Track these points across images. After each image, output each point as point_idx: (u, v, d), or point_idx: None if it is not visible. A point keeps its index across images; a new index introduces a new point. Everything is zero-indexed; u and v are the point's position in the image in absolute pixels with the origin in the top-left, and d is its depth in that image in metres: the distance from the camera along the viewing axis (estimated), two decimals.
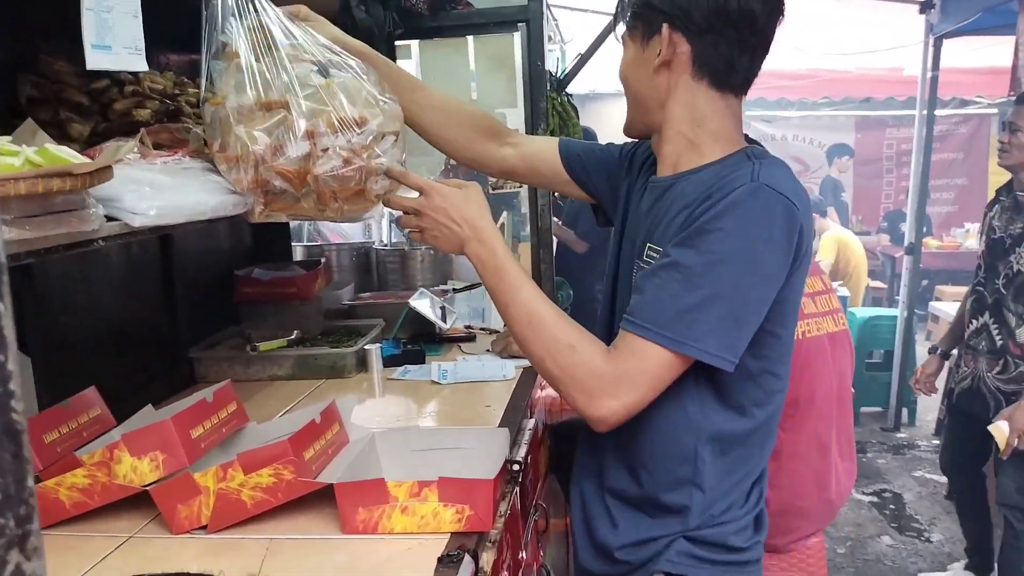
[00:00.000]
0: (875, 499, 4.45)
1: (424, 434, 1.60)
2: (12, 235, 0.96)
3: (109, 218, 1.18)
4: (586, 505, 1.48)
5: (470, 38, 2.81)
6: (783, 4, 1.29)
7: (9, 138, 1.04)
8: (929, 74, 5.20)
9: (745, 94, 1.36)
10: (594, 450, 1.47)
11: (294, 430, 1.39)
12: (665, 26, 1.28)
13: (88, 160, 1.03)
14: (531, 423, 1.93)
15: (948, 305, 5.78)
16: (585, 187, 1.70)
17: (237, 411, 1.52)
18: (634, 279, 1.35)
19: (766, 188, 1.19)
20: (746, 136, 1.39)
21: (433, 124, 1.69)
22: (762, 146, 1.39)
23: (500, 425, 1.81)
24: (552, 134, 2.73)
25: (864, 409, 5.64)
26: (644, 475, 1.36)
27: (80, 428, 1.50)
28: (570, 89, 3.27)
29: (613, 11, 1.41)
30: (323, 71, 1.43)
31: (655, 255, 1.29)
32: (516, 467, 1.60)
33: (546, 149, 1.72)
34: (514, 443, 1.73)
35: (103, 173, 1.05)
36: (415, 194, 1.41)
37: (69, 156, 1.00)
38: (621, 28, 1.38)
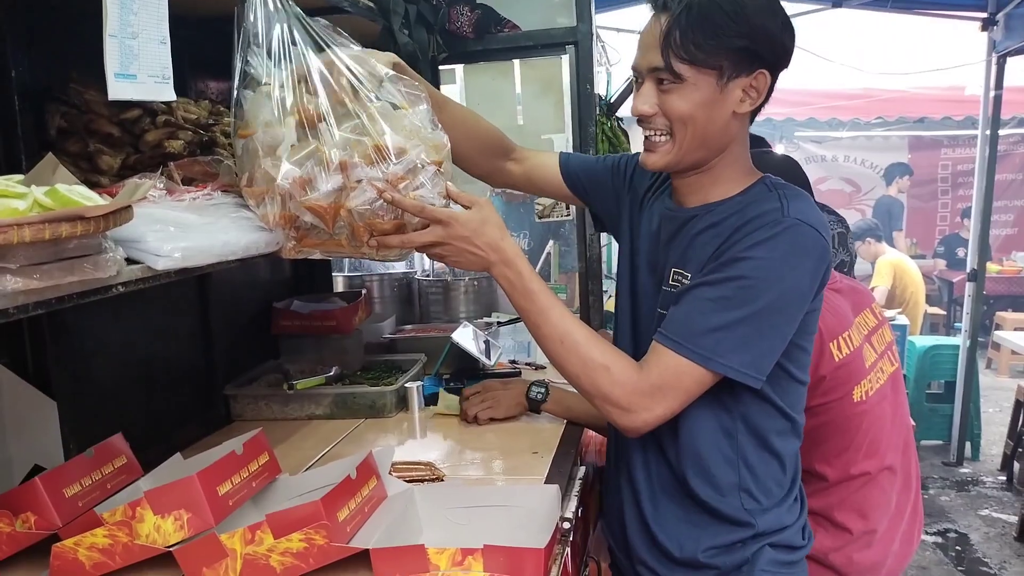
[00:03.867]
0: (939, 539, 4.23)
1: (468, 491, 1.48)
2: (18, 285, 0.87)
3: (131, 260, 1.10)
4: (640, 503, 1.48)
5: (516, 62, 2.73)
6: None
7: (20, 177, 0.96)
8: (992, 93, 5.01)
9: None
10: (634, 458, 1.49)
11: (328, 484, 1.29)
12: (764, 72, 1.29)
13: (103, 201, 0.94)
14: (581, 471, 1.80)
15: (1011, 334, 5.52)
16: (584, 199, 1.76)
17: (269, 463, 1.43)
18: (659, 300, 1.41)
19: (799, 223, 1.26)
20: (753, 137, 1.46)
21: (456, 143, 1.64)
22: (769, 145, 1.46)
23: (549, 474, 1.69)
24: None
25: (924, 442, 5.40)
26: (696, 484, 1.40)
27: (104, 479, 1.41)
28: (619, 113, 3.16)
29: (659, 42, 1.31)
30: (372, 96, 1.34)
31: (682, 279, 1.36)
32: (568, 524, 1.48)
33: (547, 164, 1.76)
34: (565, 495, 1.61)
35: (120, 215, 0.96)
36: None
37: (82, 197, 0.92)
38: (680, 65, 1.27)
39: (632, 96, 1.38)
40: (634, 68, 1.35)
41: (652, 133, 1.35)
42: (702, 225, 1.36)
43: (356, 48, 1.39)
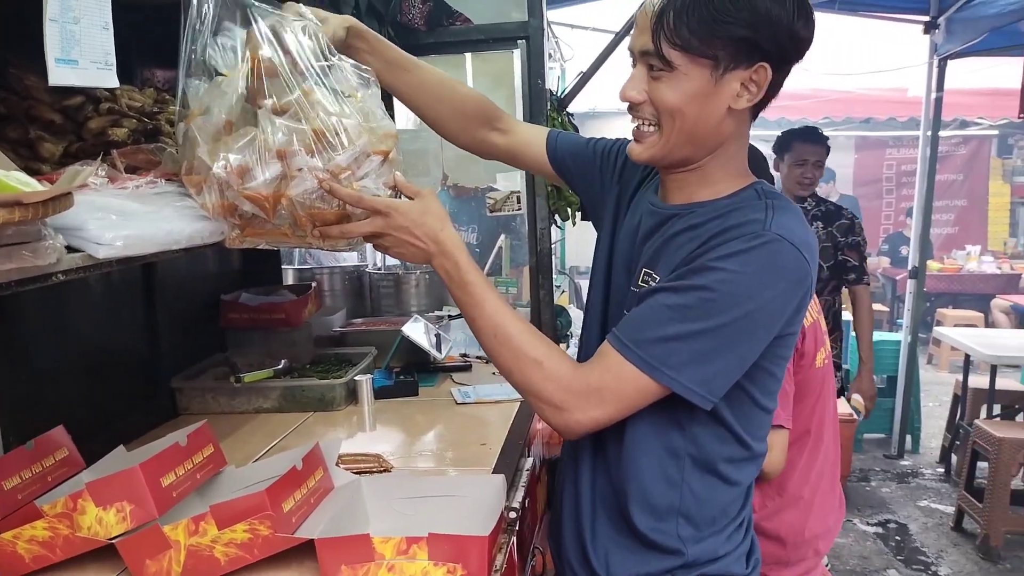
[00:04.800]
0: (880, 530, 4.34)
1: (415, 481, 1.49)
2: None
3: (72, 248, 1.08)
4: (580, 522, 1.39)
5: (468, 55, 2.74)
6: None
7: None
8: (933, 95, 5.14)
9: None
10: (583, 464, 1.41)
11: (274, 475, 1.28)
12: (766, 66, 1.17)
13: (43, 187, 0.93)
14: (529, 462, 1.82)
15: (951, 330, 5.68)
16: (570, 183, 1.64)
17: (214, 455, 1.41)
18: (626, 301, 1.32)
19: (778, 239, 1.15)
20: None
21: (426, 108, 1.61)
22: (766, 161, 1.36)
23: (496, 465, 1.71)
24: None
25: (867, 435, 5.53)
26: (633, 503, 1.30)
27: (45, 472, 1.39)
28: (571, 108, 3.18)
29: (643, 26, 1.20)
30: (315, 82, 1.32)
31: (650, 280, 1.27)
32: (513, 514, 1.49)
33: (533, 142, 1.64)
34: (511, 486, 1.62)
35: (60, 201, 0.95)
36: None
37: (20, 183, 0.90)
38: (671, 51, 1.16)
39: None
40: (629, 49, 1.25)
41: (640, 123, 1.25)
42: (681, 226, 1.26)
43: (308, 15, 1.36)
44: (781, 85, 1.22)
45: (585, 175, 1.58)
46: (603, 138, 1.61)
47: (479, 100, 1.65)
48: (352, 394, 2.16)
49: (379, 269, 3.20)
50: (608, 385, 1.19)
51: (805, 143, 3.67)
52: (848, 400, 3.88)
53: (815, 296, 1.88)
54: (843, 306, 3.99)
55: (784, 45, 1.16)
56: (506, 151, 1.67)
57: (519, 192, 2.83)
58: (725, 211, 1.23)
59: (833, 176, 9.30)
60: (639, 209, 1.39)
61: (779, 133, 3.80)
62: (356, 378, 2.11)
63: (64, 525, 1.23)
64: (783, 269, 1.15)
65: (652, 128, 1.24)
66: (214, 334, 2.40)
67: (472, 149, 1.69)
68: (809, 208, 3.78)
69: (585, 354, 1.41)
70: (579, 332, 1.56)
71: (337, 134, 1.25)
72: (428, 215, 1.29)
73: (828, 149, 3.74)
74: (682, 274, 1.18)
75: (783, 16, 1.14)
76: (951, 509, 4.41)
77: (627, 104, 1.26)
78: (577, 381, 1.20)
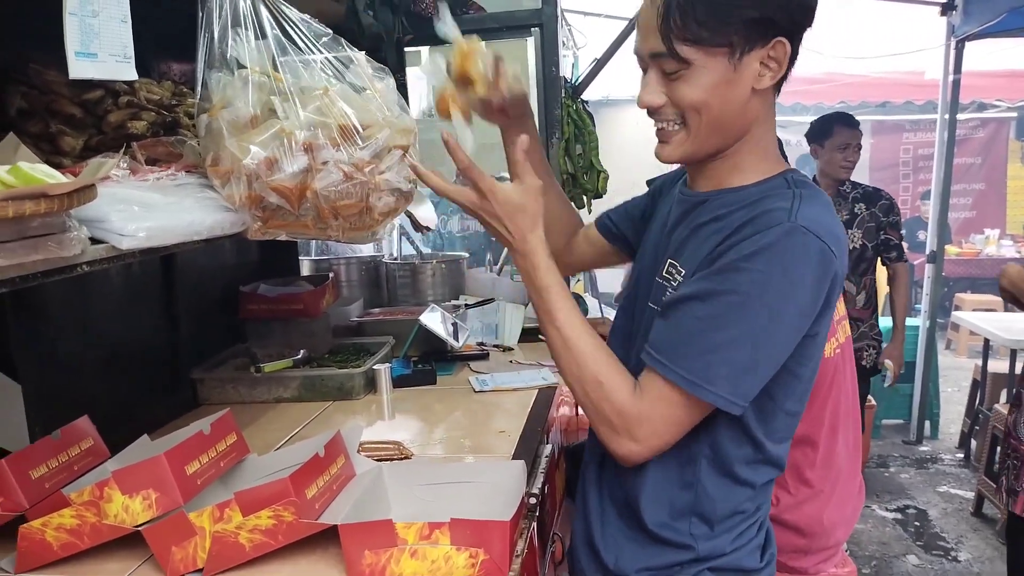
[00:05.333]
0: (899, 516, 4.32)
1: (435, 468, 1.50)
2: None
3: (95, 240, 1.09)
4: (589, 519, 1.40)
5: (482, 43, 2.72)
6: None
7: None
8: (951, 77, 5.09)
9: None
10: (600, 467, 1.40)
11: (296, 463, 1.30)
12: (783, 40, 1.13)
13: (68, 179, 0.94)
14: (548, 449, 1.83)
15: (969, 314, 5.65)
16: (629, 247, 1.59)
17: (237, 443, 1.43)
18: (652, 292, 1.29)
19: (802, 230, 1.10)
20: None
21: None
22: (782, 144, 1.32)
23: (515, 451, 1.71)
24: (567, 142, 2.64)
25: (885, 421, 5.51)
26: (645, 503, 1.29)
27: (71, 461, 1.41)
28: (585, 95, 3.18)
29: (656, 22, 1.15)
30: (331, 76, 1.34)
31: (675, 274, 1.24)
32: (533, 500, 1.50)
33: (590, 229, 1.66)
34: (531, 472, 1.63)
35: (84, 193, 0.96)
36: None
37: (45, 175, 0.91)
38: (684, 48, 1.13)
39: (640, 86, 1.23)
40: (636, 54, 1.21)
41: (664, 124, 1.22)
42: (707, 216, 1.23)
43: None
44: (797, 54, 1.18)
45: (635, 225, 1.56)
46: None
47: (576, 217, 1.72)
48: (371, 383, 2.17)
49: (395, 259, 3.21)
50: (660, 412, 1.16)
51: (846, 127, 3.82)
52: (880, 365, 4.01)
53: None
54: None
55: (795, 15, 1.14)
56: (585, 246, 1.67)
57: None
58: (752, 200, 1.18)
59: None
60: (669, 199, 1.38)
61: (801, 119, 3.85)
62: (374, 367, 2.13)
63: (91, 513, 1.25)
64: (807, 261, 1.11)
65: (677, 127, 1.20)
66: (233, 325, 2.41)
67: (571, 261, 1.70)
68: (848, 191, 3.92)
69: (613, 339, 1.42)
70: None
71: (360, 129, 1.26)
72: (521, 213, 1.24)
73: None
74: (708, 276, 1.14)
75: None
76: (971, 495, 4.40)
77: (646, 110, 1.23)
78: (631, 407, 1.17)
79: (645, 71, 1.21)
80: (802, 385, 1.25)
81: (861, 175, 9.72)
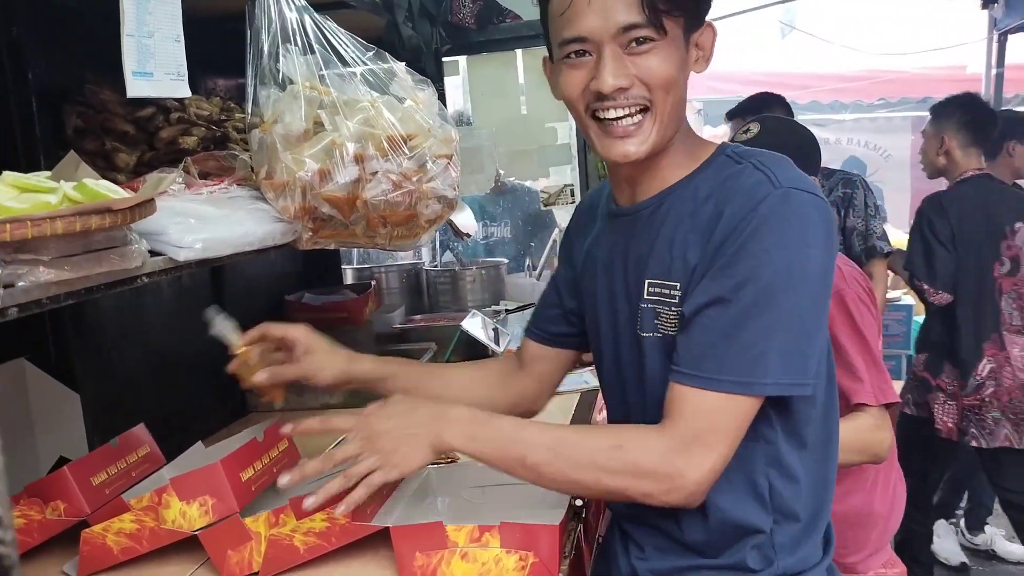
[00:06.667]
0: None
1: (481, 471, 1.51)
2: (51, 276, 0.90)
3: (154, 252, 1.13)
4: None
5: (519, 51, 2.75)
6: None
7: (48, 173, 0.99)
8: (994, 71, 5.01)
9: None
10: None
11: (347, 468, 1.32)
12: (711, 25, 1.13)
13: (128, 195, 0.98)
14: None
15: None
16: (577, 337, 1.43)
17: (288, 449, 1.47)
18: (638, 321, 1.16)
19: (794, 192, 1.05)
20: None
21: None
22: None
23: None
24: None
25: None
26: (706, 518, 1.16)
27: (129, 468, 1.46)
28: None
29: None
30: (375, 88, 1.37)
31: (668, 291, 1.12)
32: (580, 503, 1.51)
33: (531, 352, 1.48)
34: None
35: (145, 207, 1.00)
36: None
37: (108, 191, 0.95)
38: (666, 16, 1.05)
39: (565, 75, 1.11)
40: (583, 38, 1.07)
41: (624, 114, 1.08)
42: (670, 217, 1.13)
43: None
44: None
45: (571, 303, 1.39)
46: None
47: (499, 365, 1.56)
48: None
49: (436, 266, 3.24)
50: (703, 426, 1.05)
51: None
52: None
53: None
54: None
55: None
56: (535, 375, 1.49)
57: (572, 185, 2.85)
58: (714, 187, 1.10)
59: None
60: (592, 238, 1.28)
61: (840, 117, 3.76)
62: None
63: (150, 518, 1.29)
64: (812, 220, 1.05)
65: (640, 115, 1.09)
66: None
67: (511, 408, 1.47)
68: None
69: (611, 407, 1.31)
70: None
71: (406, 139, 1.29)
72: (418, 404, 1.21)
73: None
74: (718, 274, 1.05)
75: None
76: None
77: (594, 99, 1.09)
78: (671, 440, 1.05)
79: (587, 54, 1.08)
80: (824, 343, 1.15)
81: (902, 173, 9.63)
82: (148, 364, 1.88)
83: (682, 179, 1.15)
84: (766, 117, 2.08)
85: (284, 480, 1.17)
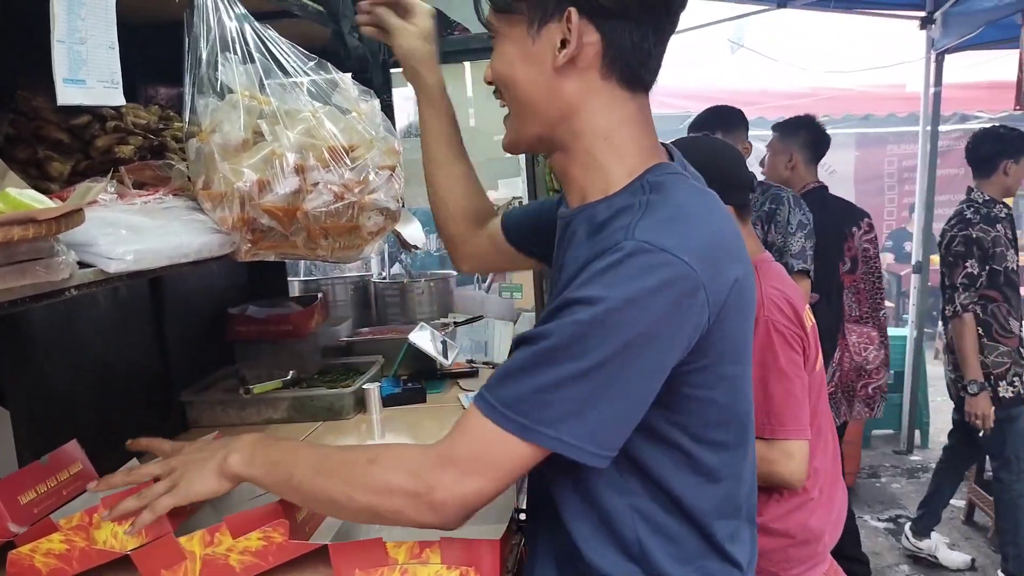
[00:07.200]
0: (891, 526, 4.34)
1: None
2: None
3: (83, 264, 1.10)
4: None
5: (467, 64, 2.75)
6: None
7: None
8: (932, 90, 5.16)
9: (650, 89, 1.11)
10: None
11: None
12: (572, 11, 1.01)
13: (55, 204, 0.95)
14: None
15: None
16: (535, 256, 1.45)
17: None
18: None
19: (644, 248, 0.94)
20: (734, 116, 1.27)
21: (444, 203, 1.51)
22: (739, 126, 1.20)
23: None
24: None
25: (875, 432, 5.53)
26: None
27: (60, 486, 1.41)
28: None
29: None
30: (317, 99, 1.36)
31: None
32: (523, 516, 1.51)
33: (495, 224, 1.49)
34: (519, 489, 1.63)
35: (72, 218, 0.96)
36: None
37: (33, 201, 0.92)
38: (487, 9, 1.08)
39: None
40: None
41: (504, 106, 1.12)
42: (575, 239, 1.09)
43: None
44: (642, 38, 1.03)
45: (541, 234, 1.36)
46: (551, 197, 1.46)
47: (487, 204, 1.57)
48: (361, 403, 2.18)
49: (384, 278, 3.22)
50: (475, 452, 0.98)
51: None
52: None
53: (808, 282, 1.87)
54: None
55: None
56: (487, 241, 1.51)
57: (521, 198, 2.85)
58: (608, 215, 1.04)
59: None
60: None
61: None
62: (364, 387, 2.13)
63: (80, 538, 1.24)
64: (657, 283, 0.93)
65: (506, 109, 1.12)
66: (222, 347, 2.42)
67: (458, 246, 1.55)
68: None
69: None
70: None
71: (348, 151, 1.28)
72: (213, 444, 1.23)
73: None
74: (550, 312, 0.98)
75: None
76: (962, 503, 4.41)
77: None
78: (427, 456, 1.01)
79: None
80: (721, 412, 1.08)
81: (847, 188, 9.86)
82: (83, 378, 1.83)
83: (598, 199, 1.08)
84: (684, 139, 2.08)
85: (91, 485, 1.26)
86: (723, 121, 3.21)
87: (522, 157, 2.62)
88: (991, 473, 3.98)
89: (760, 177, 3.33)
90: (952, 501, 4.56)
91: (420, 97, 1.47)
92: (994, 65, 6.51)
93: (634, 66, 1.05)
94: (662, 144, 1.16)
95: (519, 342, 1.00)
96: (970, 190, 3.58)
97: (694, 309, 0.96)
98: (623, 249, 0.94)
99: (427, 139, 1.49)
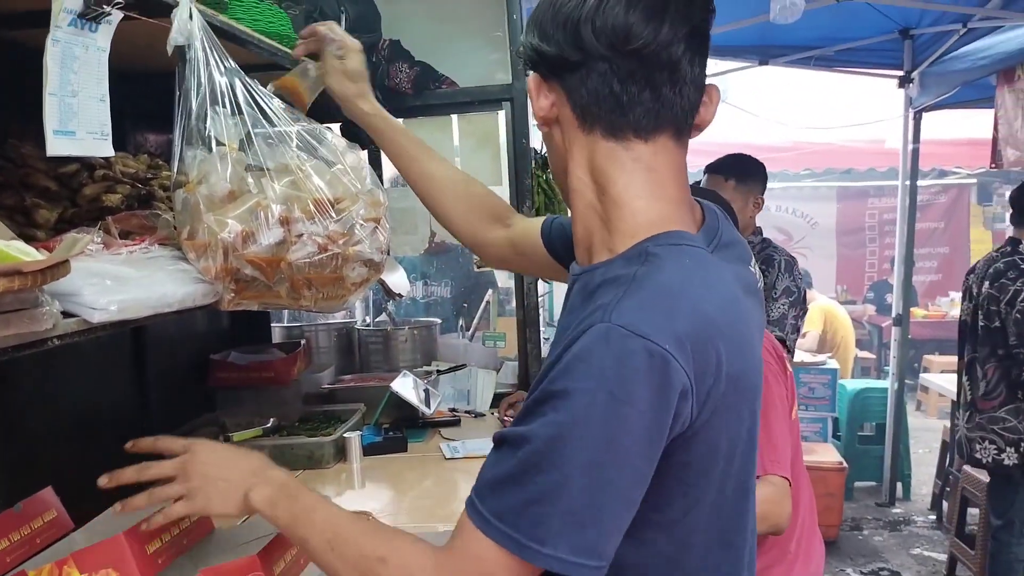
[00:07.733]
0: None
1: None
2: None
3: (67, 314, 1.10)
4: None
5: (454, 116, 2.79)
6: (692, 7, 0.96)
7: None
8: (910, 146, 5.26)
9: (681, 135, 1.03)
10: None
11: (265, 535, 1.29)
12: (532, 75, 1.04)
13: (41, 256, 0.96)
14: None
15: (938, 376, 5.72)
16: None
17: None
18: None
19: (620, 332, 0.86)
20: (703, 191, 1.23)
21: (436, 202, 1.55)
22: (717, 208, 1.10)
23: None
24: (537, 212, 2.70)
25: (857, 484, 5.52)
26: None
27: (33, 534, 1.39)
28: None
29: None
30: (304, 151, 1.38)
31: None
32: None
33: (532, 228, 1.46)
34: None
35: (58, 269, 0.97)
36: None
37: (19, 252, 0.93)
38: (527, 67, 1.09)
39: None
40: None
41: None
42: (573, 304, 1.04)
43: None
44: (605, 86, 0.98)
45: None
46: None
47: (492, 197, 1.57)
48: (341, 451, 2.17)
49: (368, 326, 3.22)
50: (473, 569, 0.92)
51: None
52: None
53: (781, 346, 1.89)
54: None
55: (536, 46, 1.02)
56: (506, 242, 1.50)
57: None
58: (594, 288, 0.98)
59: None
60: None
61: (788, 186, 3.79)
62: (345, 435, 2.12)
63: None
64: (632, 372, 0.85)
65: None
66: (203, 393, 2.40)
67: (475, 247, 1.59)
68: None
69: None
70: None
71: (334, 203, 1.30)
72: (245, 455, 1.21)
73: None
74: (529, 405, 0.91)
75: (551, 23, 0.99)
76: (944, 556, 4.40)
77: None
78: (435, 567, 0.95)
79: None
80: (678, 526, 0.99)
81: (828, 240, 10.01)
82: (63, 423, 1.81)
83: (600, 262, 1.02)
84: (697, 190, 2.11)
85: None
86: (739, 170, 3.05)
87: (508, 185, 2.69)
88: (973, 527, 3.99)
89: (765, 233, 3.26)
90: (933, 555, 4.56)
91: (369, 132, 1.57)
92: (971, 123, 6.66)
93: (609, 115, 0.99)
94: (698, 201, 1.10)
95: (501, 440, 0.94)
96: (1017, 242, 3.46)
97: (672, 399, 0.88)
98: (598, 333, 0.88)
99: (398, 163, 1.56)
